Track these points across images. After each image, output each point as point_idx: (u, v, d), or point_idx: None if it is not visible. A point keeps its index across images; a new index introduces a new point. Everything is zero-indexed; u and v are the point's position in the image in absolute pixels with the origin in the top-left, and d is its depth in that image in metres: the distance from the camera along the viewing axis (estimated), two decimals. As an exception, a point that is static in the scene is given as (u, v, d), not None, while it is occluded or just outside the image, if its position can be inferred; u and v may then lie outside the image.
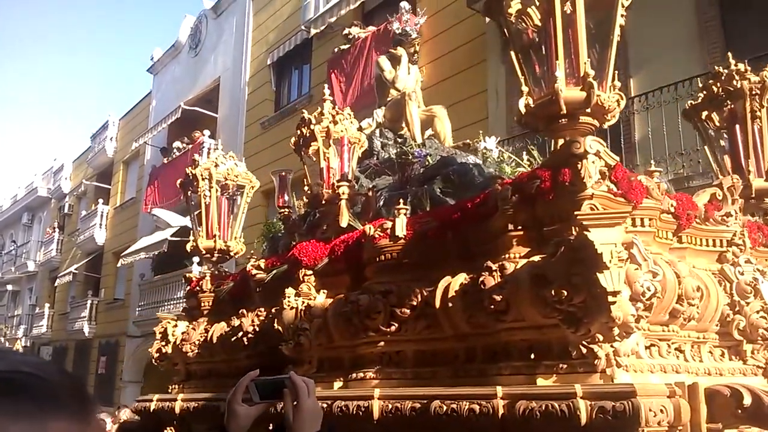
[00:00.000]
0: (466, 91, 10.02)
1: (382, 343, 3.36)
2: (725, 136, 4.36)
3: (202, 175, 5.55)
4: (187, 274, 5.54)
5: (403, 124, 5.19)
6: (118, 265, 19.64)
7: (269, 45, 15.90)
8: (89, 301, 22.44)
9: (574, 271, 2.45)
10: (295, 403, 1.75)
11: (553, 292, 2.48)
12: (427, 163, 4.23)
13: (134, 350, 18.80)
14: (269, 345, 4.23)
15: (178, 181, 5.92)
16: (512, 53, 3.08)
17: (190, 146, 17.54)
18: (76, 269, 23.55)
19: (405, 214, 3.44)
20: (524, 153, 4.13)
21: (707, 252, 3.23)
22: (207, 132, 17.36)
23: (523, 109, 2.89)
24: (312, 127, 4.18)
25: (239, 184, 5.74)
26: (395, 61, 5.58)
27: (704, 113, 4.33)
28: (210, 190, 5.56)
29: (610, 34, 2.98)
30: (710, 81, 4.25)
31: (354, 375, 3.48)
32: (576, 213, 2.48)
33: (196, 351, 4.97)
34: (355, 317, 3.38)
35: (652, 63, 7.91)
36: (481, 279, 2.78)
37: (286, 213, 4.46)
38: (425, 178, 4.06)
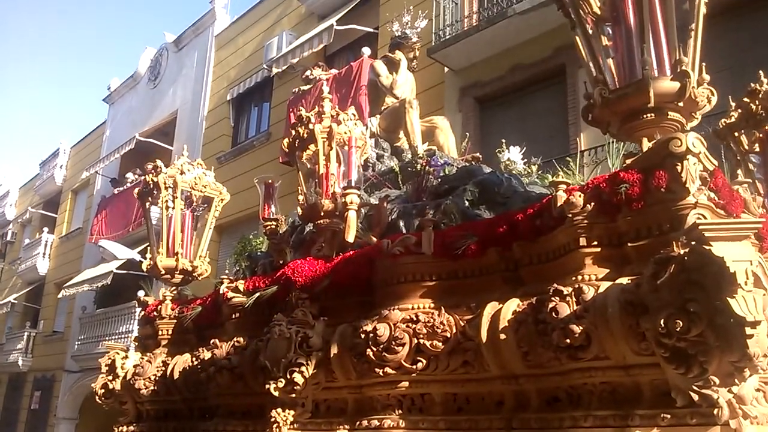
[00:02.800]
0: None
1: (404, 384, 2.73)
2: (752, 159, 4.04)
3: (165, 183, 4.82)
4: (142, 297, 4.75)
5: (401, 135, 4.64)
6: (60, 296, 18.44)
7: (230, 81, 15.65)
8: (26, 333, 20.95)
9: (690, 296, 1.92)
10: None
11: (662, 323, 1.94)
12: (443, 174, 3.69)
13: (71, 385, 17.51)
14: (248, 383, 3.53)
15: (136, 190, 5.16)
16: (578, 38, 2.60)
17: (143, 178, 16.68)
18: (15, 299, 22.13)
19: (432, 228, 2.86)
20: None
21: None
22: (161, 164, 16.55)
23: (599, 100, 2.40)
24: (311, 127, 3.58)
25: (207, 195, 5.04)
26: (393, 66, 5.06)
27: (736, 133, 3.98)
28: (174, 201, 4.83)
29: (691, 23, 2.53)
30: (746, 99, 3.92)
31: (365, 422, 2.84)
32: (698, 222, 1.96)
33: (152, 388, 4.18)
34: (371, 351, 2.75)
35: None
36: (551, 306, 2.22)
37: (272, 227, 3.81)
38: (445, 190, 3.51)
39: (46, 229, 22.36)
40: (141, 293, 15.36)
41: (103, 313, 16.66)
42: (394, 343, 2.69)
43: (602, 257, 2.32)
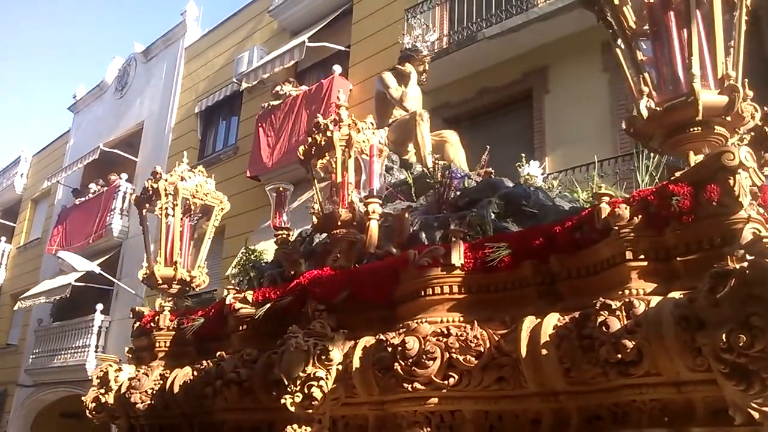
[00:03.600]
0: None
1: (434, 400, 2.63)
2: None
3: (166, 190, 4.68)
4: (138, 308, 4.57)
5: (409, 148, 4.58)
6: (15, 308, 17.84)
7: (198, 94, 15.50)
8: (-21, 345, 20.14)
9: (752, 310, 1.87)
10: None
11: (723, 338, 1.88)
12: (462, 186, 3.63)
13: (24, 401, 16.80)
14: (259, 398, 3.39)
15: (134, 196, 4.99)
16: (619, 51, 2.58)
17: (105, 189, 16.60)
18: (-32, 310, 21.22)
19: (462, 239, 2.79)
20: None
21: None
22: (125, 175, 16.45)
23: (644, 113, 2.36)
24: (328, 134, 3.49)
25: (208, 204, 4.90)
26: (402, 78, 5.01)
27: None
28: (174, 209, 4.69)
29: (733, 36, 2.52)
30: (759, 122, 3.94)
31: (390, 441, 2.72)
32: (761, 236, 1.92)
33: (148, 402, 4.00)
34: (399, 365, 2.65)
35: (567, 144, 8.03)
36: (600, 320, 2.15)
37: (284, 236, 3.69)
38: (465, 203, 3.44)
39: (3, 239, 21.76)
40: (99, 306, 14.97)
41: (60, 326, 16.20)
42: (424, 357, 2.59)
43: (649, 271, 2.27)
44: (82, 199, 17.42)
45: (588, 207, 2.72)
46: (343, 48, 12.08)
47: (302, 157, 3.64)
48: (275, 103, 12.27)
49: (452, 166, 3.93)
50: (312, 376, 2.94)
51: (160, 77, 17.05)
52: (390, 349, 2.70)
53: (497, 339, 2.53)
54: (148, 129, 16.93)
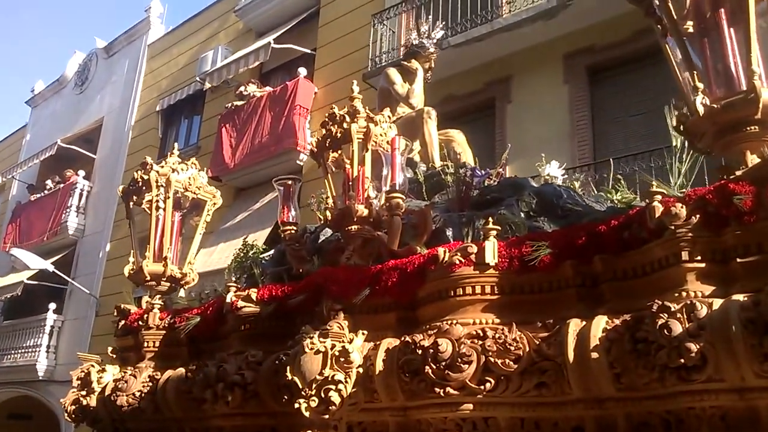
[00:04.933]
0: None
1: (468, 406, 2.48)
2: None
3: (157, 182, 4.43)
4: (123, 305, 4.30)
5: (414, 146, 4.45)
6: None
7: (161, 91, 15.27)
8: (-74, 345, 19.27)
9: (830, 315, 1.80)
10: None
11: (801, 343, 1.80)
12: (483, 185, 3.51)
13: (-32, 402, 16.02)
14: (264, 402, 3.19)
15: (120, 188, 4.73)
16: (668, 47, 2.50)
17: (62, 186, 16.19)
18: None
19: (496, 237, 2.66)
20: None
21: None
22: (82, 172, 16.15)
23: (701, 110, 2.28)
24: (345, 126, 3.33)
25: (200, 198, 4.67)
26: (408, 75, 4.88)
27: None
28: (165, 201, 4.44)
29: None
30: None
31: (418, 449, 2.56)
32: None
33: (136, 405, 3.74)
34: (431, 369, 2.49)
35: (528, 154, 8.07)
36: (660, 323, 2.04)
37: (293, 231, 3.50)
38: (486, 201, 3.32)
39: (-45, 235, 20.99)
40: (52, 306, 14.46)
41: (11, 325, 15.74)
42: (459, 360, 2.45)
43: (706, 273, 2.18)
44: (38, 195, 17.00)
45: (633, 207, 2.63)
46: (309, 51, 12.07)
47: (315, 149, 3.46)
48: (239, 103, 12.17)
49: (472, 165, 3.79)
50: (330, 379, 2.76)
51: (122, 74, 16.81)
52: (420, 352, 2.55)
53: (537, 342, 2.40)
54: (108, 126, 16.65)
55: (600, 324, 2.27)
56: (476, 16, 8.53)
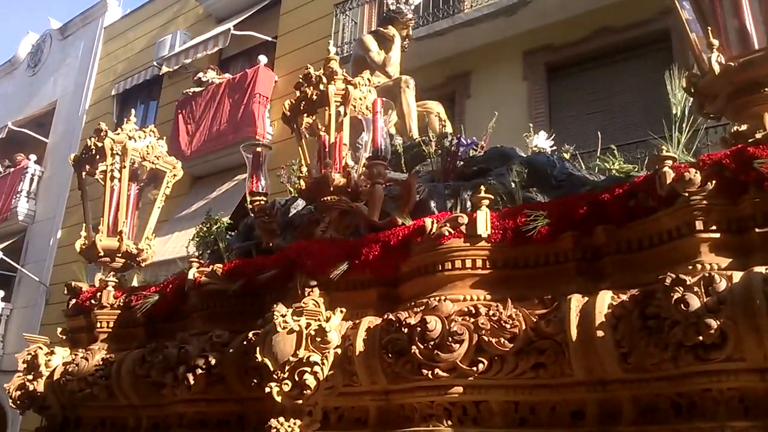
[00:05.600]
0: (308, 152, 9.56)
1: (458, 389, 2.28)
2: None
3: (112, 150, 4.08)
4: (74, 283, 3.96)
5: (391, 117, 4.20)
6: None
7: (116, 75, 14.77)
8: None
9: None
10: None
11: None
12: (468, 155, 3.28)
13: None
14: (230, 387, 2.93)
15: (72, 156, 4.36)
16: (677, 3, 2.31)
17: (12, 170, 15.57)
18: None
19: (490, 206, 2.45)
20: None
21: None
22: (33, 157, 15.49)
23: (716, 68, 2.10)
24: (321, 88, 3.07)
25: (159, 168, 4.34)
26: (384, 42, 4.61)
27: None
28: (121, 171, 4.10)
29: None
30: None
31: (402, 436, 2.35)
32: None
33: (88, 391, 3.43)
34: (418, 348, 2.28)
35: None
36: (676, 297, 1.86)
37: (262, 202, 3.22)
38: (473, 172, 3.11)
39: None
40: (0, 293, 13.81)
41: None
42: (449, 339, 2.23)
43: (721, 244, 2.01)
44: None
45: (632, 177, 2.44)
46: (269, 39, 11.77)
47: (288, 113, 3.19)
48: (197, 90, 11.82)
49: (458, 134, 3.57)
50: (305, 360, 2.52)
51: (77, 56, 16.22)
52: (406, 330, 2.33)
53: (534, 320, 2.20)
54: (61, 109, 16.04)
55: (605, 299, 2.08)
56: (438, 10, 8.51)
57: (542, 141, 3.47)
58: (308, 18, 11.09)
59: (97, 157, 4.14)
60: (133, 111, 4.87)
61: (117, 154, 4.10)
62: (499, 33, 8.18)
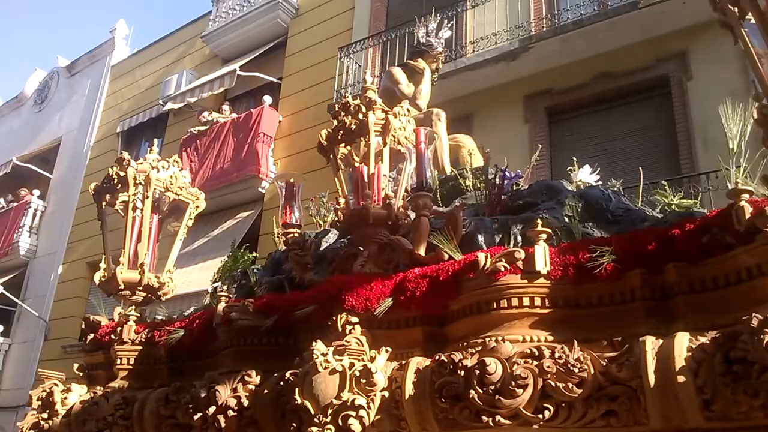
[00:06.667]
0: (316, 189, 9.50)
1: (522, 438, 2.12)
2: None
3: (135, 179, 3.97)
4: (92, 317, 3.81)
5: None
6: None
7: (122, 113, 14.98)
8: None
9: None
10: None
11: None
12: (513, 189, 3.17)
13: None
14: (262, 429, 2.77)
15: (92, 185, 4.24)
16: (744, 33, 2.22)
17: (15, 205, 15.62)
18: None
19: (546, 241, 2.33)
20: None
21: None
22: (37, 192, 15.63)
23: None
24: (361, 116, 2.97)
25: (182, 199, 4.22)
26: (414, 75, 4.55)
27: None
28: (144, 202, 3.98)
29: None
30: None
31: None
32: None
33: (107, 431, 3.26)
34: (476, 393, 2.13)
35: None
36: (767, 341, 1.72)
37: (296, 234, 3.10)
38: (518, 206, 2.99)
39: None
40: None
41: None
42: (512, 384, 2.09)
43: (810, 283, 1.88)
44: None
45: (693, 213, 2.33)
46: (274, 79, 11.96)
47: (324, 143, 3.09)
48: (201, 128, 11.96)
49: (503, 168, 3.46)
50: (349, 404, 2.37)
51: (83, 93, 16.46)
52: (462, 373, 2.18)
53: (604, 364, 2.06)
54: (66, 146, 16.20)
55: (683, 342, 1.94)
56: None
57: (587, 175, 3.37)
58: (313, 60, 11.32)
59: (119, 186, 4.03)
60: (155, 141, 4.73)
61: (140, 183, 3.99)
62: (500, 77, 8.49)
